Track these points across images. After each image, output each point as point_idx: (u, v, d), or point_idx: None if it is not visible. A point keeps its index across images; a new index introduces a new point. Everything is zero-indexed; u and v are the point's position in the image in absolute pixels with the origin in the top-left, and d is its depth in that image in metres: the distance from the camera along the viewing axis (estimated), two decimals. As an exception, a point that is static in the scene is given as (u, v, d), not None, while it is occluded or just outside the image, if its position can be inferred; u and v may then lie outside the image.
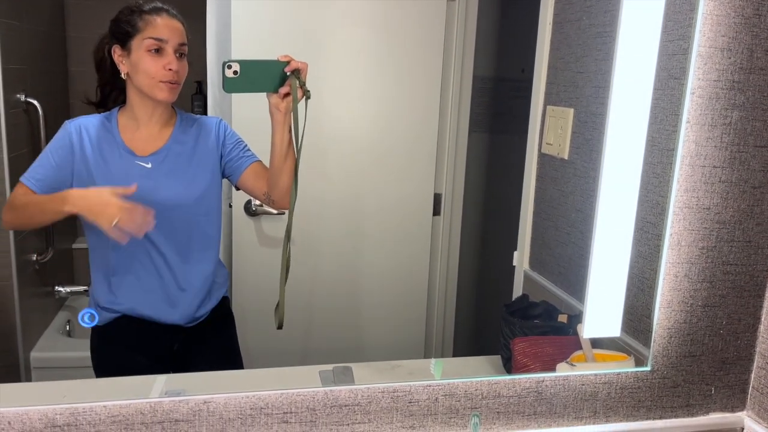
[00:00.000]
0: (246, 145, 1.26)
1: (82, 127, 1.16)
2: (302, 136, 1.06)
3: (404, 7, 1.85)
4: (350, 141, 1.88)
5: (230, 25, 1.71)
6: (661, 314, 0.91)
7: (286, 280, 1.09)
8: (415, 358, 2.05)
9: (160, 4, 1.15)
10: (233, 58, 1.10)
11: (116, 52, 1.14)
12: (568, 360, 0.99)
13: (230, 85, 1.06)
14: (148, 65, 1.12)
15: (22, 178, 1.15)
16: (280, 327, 1.07)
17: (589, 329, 0.79)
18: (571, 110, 1.21)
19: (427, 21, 1.88)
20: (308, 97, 1.06)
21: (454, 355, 2.19)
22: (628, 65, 0.84)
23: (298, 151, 1.08)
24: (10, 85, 1.68)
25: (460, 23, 1.94)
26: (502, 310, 1.16)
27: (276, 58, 1.06)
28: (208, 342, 1.27)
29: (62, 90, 2.05)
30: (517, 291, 1.41)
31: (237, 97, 1.75)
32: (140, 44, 1.12)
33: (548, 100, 1.30)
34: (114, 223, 1.00)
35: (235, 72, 1.04)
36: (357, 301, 1.97)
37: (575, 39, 1.19)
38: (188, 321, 1.22)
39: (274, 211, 1.69)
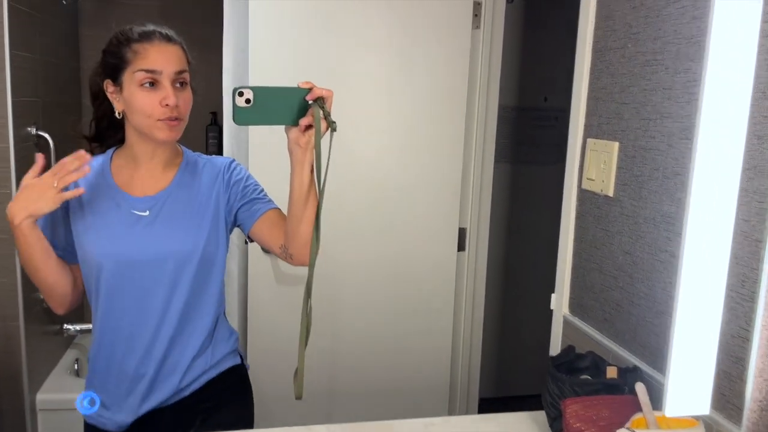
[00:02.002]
0: (261, 189, 1.09)
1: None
2: (326, 175, 0.89)
3: (428, 36, 1.78)
4: (371, 175, 1.80)
5: (248, 52, 1.64)
6: (755, 386, 0.80)
7: (306, 343, 0.92)
8: (440, 397, 1.94)
9: (151, 28, 0.98)
10: (249, 85, 0.92)
11: (108, 88, 1.00)
12: (627, 426, 0.89)
13: (242, 117, 0.87)
14: (142, 102, 0.95)
15: None
16: (299, 398, 0.91)
17: (672, 406, 0.68)
18: (616, 144, 1.11)
19: (452, 50, 1.80)
20: (334, 129, 0.88)
21: (481, 397, 2.07)
22: (718, 106, 0.70)
23: (321, 193, 0.91)
24: (21, 118, 1.63)
25: (485, 51, 1.86)
26: (548, 365, 1.05)
27: (296, 85, 0.89)
28: (222, 417, 1.09)
29: (75, 123, 2.00)
30: (556, 336, 1.30)
31: (255, 128, 1.67)
32: (131, 78, 0.95)
33: (588, 133, 1.21)
34: None
35: (247, 101, 0.86)
36: (379, 341, 1.87)
37: (619, 68, 1.11)
38: (182, 388, 1.07)
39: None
